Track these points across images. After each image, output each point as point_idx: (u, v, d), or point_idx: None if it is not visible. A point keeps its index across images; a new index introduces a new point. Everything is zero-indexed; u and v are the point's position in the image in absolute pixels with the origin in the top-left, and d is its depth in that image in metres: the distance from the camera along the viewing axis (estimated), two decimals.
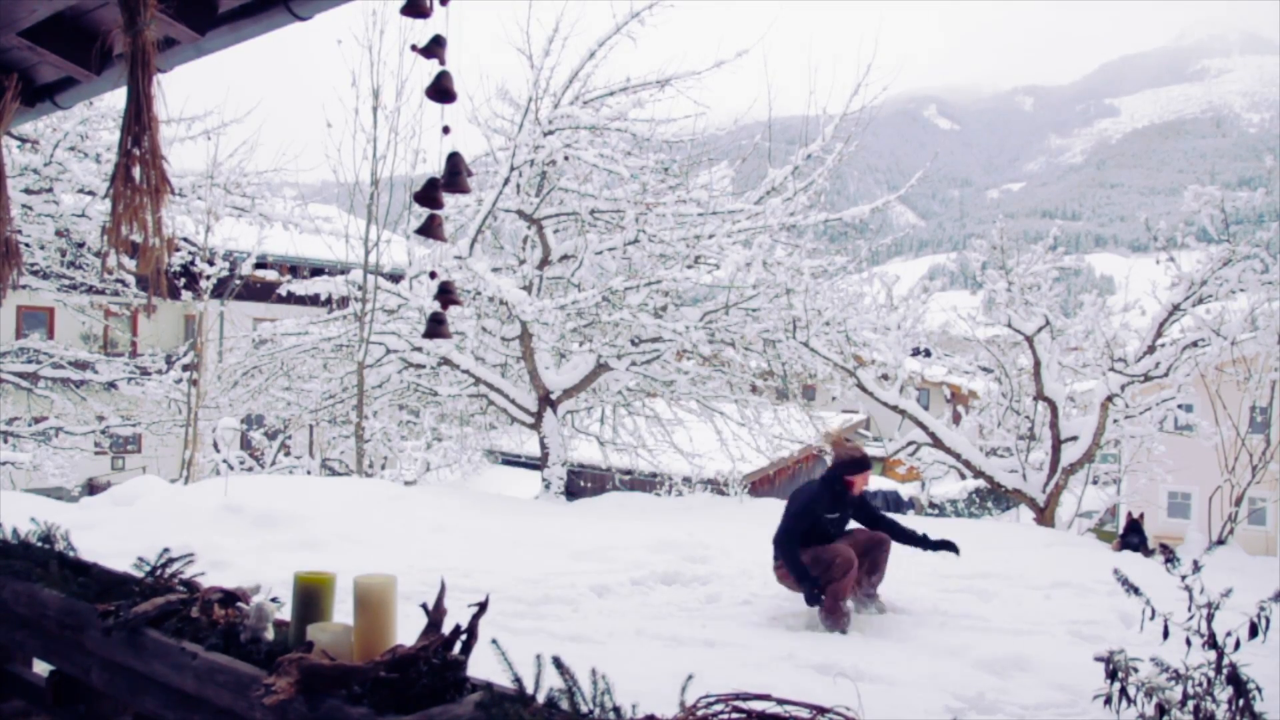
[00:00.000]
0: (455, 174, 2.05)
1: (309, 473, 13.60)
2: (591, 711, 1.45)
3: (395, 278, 12.84)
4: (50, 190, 11.45)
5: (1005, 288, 11.41)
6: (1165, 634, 2.41)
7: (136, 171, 2.25)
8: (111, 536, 5.76)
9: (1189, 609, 2.35)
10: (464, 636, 1.65)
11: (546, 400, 12.08)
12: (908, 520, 6.81)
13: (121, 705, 2.35)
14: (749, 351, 12.40)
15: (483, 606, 1.69)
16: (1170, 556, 2.58)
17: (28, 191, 11.26)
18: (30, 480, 13.31)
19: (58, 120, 10.91)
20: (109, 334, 17.27)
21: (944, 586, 5.97)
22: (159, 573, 2.37)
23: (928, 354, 13.62)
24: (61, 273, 12.69)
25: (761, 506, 11.27)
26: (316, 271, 15.51)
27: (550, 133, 11.12)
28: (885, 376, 11.87)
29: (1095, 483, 15.87)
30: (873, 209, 11.82)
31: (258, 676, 1.73)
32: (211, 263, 12.14)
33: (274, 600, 2.03)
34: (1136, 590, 2.44)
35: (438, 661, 1.61)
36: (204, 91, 10.99)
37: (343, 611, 1.81)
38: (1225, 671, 2.22)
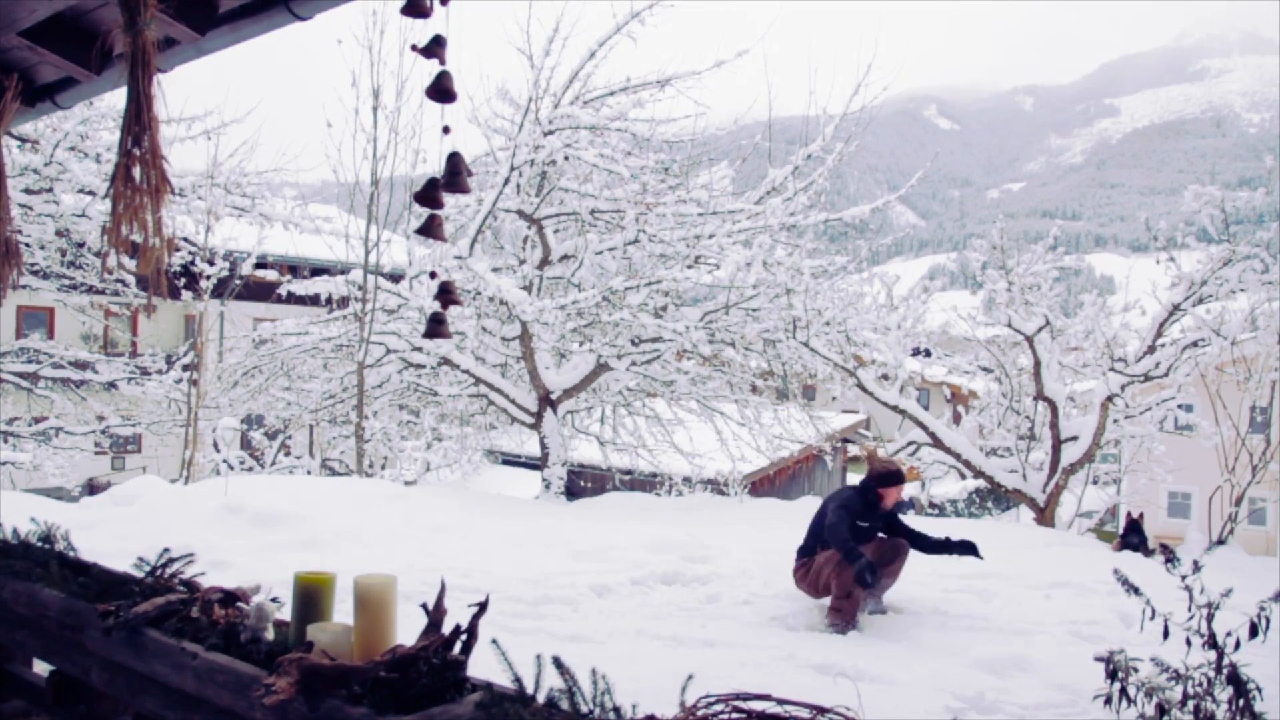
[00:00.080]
0: (455, 174, 2.05)
1: (309, 473, 13.60)
2: (591, 711, 1.45)
3: (395, 278, 12.85)
4: (50, 190, 11.45)
5: (1005, 288, 11.41)
6: (1165, 634, 2.41)
7: (136, 171, 2.25)
8: (111, 536, 5.76)
9: (1189, 609, 2.35)
10: (464, 636, 1.65)
11: (546, 400, 12.08)
12: (909, 520, 6.81)
13: (121, 705, 2.35)
14: (749, 351, 12.40)
15: (483, 606, 1.69)
16: (1170, 556, 2.58)
17: (28, 191, 11.27)
18: (30, 480, 13.31)
19: (58, 120, 10.91)
20: (109, 334, 17.27)
21: (944, 586, 5.97)
22: (159, 573, 2.37)
23: (928, 354, 13.63)
24: (61, 273, 12.69)
25: (761, 506, 11.28)
26: (316, 271, 15.51)
27: (550, 133, 11.12)
28: (885, 376, 11.87)
29: (1095, 483, 15.87)
30: (873, 209, 11.82)
31: (258, 676, 1.73)
32: (211, 263, 12.15)
33: (274, 600, 2.03)
34: (1136, 590, 2.44)
35: (438, 661, 1.61)
36: (204, 91, 11.00)
37: (343, 611, 1.81)
38: (1225, 671, 2.22)
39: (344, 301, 12.36)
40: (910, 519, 8.51)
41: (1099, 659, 2.38)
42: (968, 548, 5.41)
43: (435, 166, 2.06)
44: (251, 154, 13.05)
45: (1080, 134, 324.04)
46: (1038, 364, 11.23)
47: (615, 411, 14.26)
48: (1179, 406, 12.11)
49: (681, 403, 13.31)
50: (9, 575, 2.57)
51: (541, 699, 1.48)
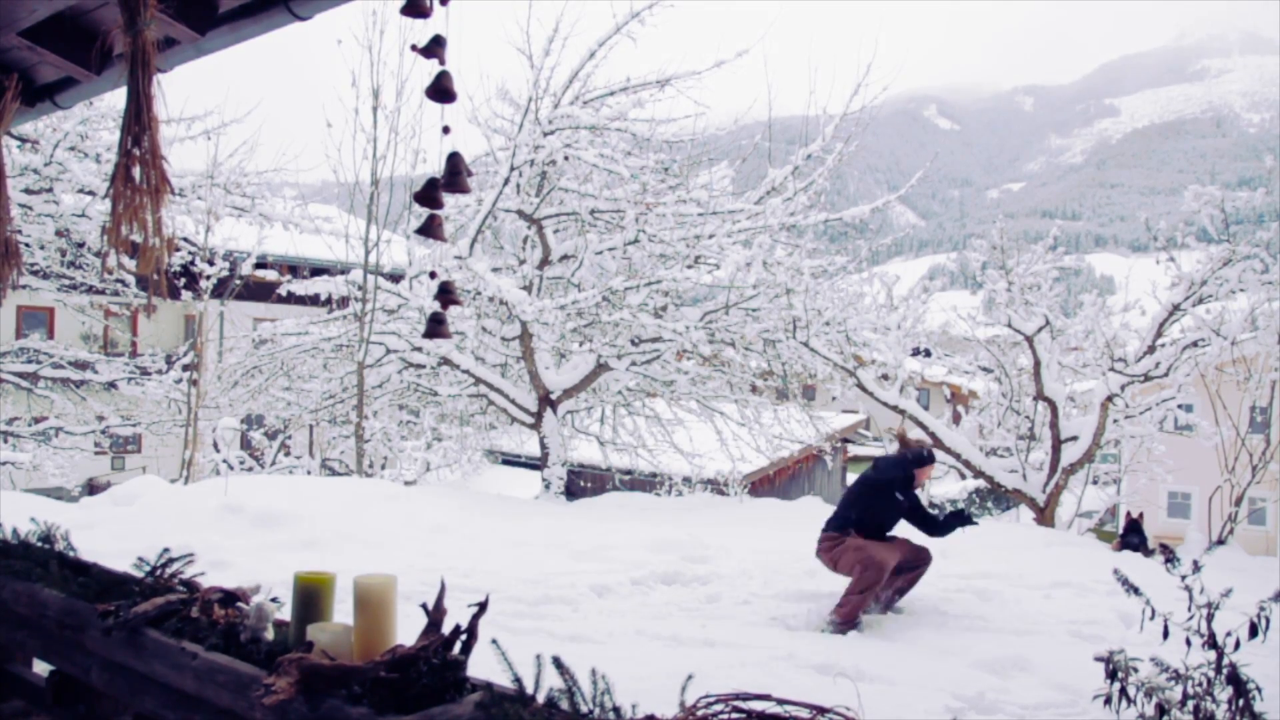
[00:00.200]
0: (455, 174, 2.05)
1: (309, 473, 13.60)
2: (591, 711, 1.45)
3: (395, 278, 12.84)
4: (50, 190, 11.45)
5: (1005, 288, 11.41)
6: (1165, 634, 2.41)
7: (136, 171, 2.25)
8: (111, 536, 5.77)
9: (1189, 609, 2.35)
10: (464, 636, 1.65)
11: (546, 400, 12.08)
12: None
13: (121, 705, 2.35)
14: (749, 351, 12.40)
15: (483, 606, 1.69)
16: (1170, 556, 2.58)
17: (28, 191, 11.26)
18: (30, 480, 13.31)
19: (58, 120, 10.91)
20: (109, 334, 17.27)
21: (944, 586, 5.97)
22: (159, 573, 2.37)
23: (928, 354, 13.63)
24: (61, 273, 12.69)
25: (761, 506, 11.28)
26: (316, 271, 15.51)
27: (550, 133, 11.12)
28: (885, 376, 11.87)
29: (1095, 483, 15.87)
30: (873, 209, 11.82)
31: (258, 676, 1.73)
32: (211, 263, 12.15)
33: (274, 600, 2.03)
34: (1136, 590, 2.44)
35: (438, 661, 1.61)
36: (204, 91, 11.00)
37: (343, 611, 1.81)
38: (1225, 671, 2.22)
39: (344, 301, 12.37)
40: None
41: (1099, 659, 2.38)
42: (962, 519, 5.55)
43: (435, 166, 2.06)
44: (251, 154, 13.07)
45: (1080, 134, 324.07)
46: (1038, 364, 11.23)
47: (615, 411, 14.26)
48: (1179, 406, 12.11)
49: (681, 403, 13.31)
50: (9, 575, 2.57)
51: (541, 699, 1.48)
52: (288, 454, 15.10)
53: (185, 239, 12.45)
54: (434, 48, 1.97)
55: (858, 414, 23.54)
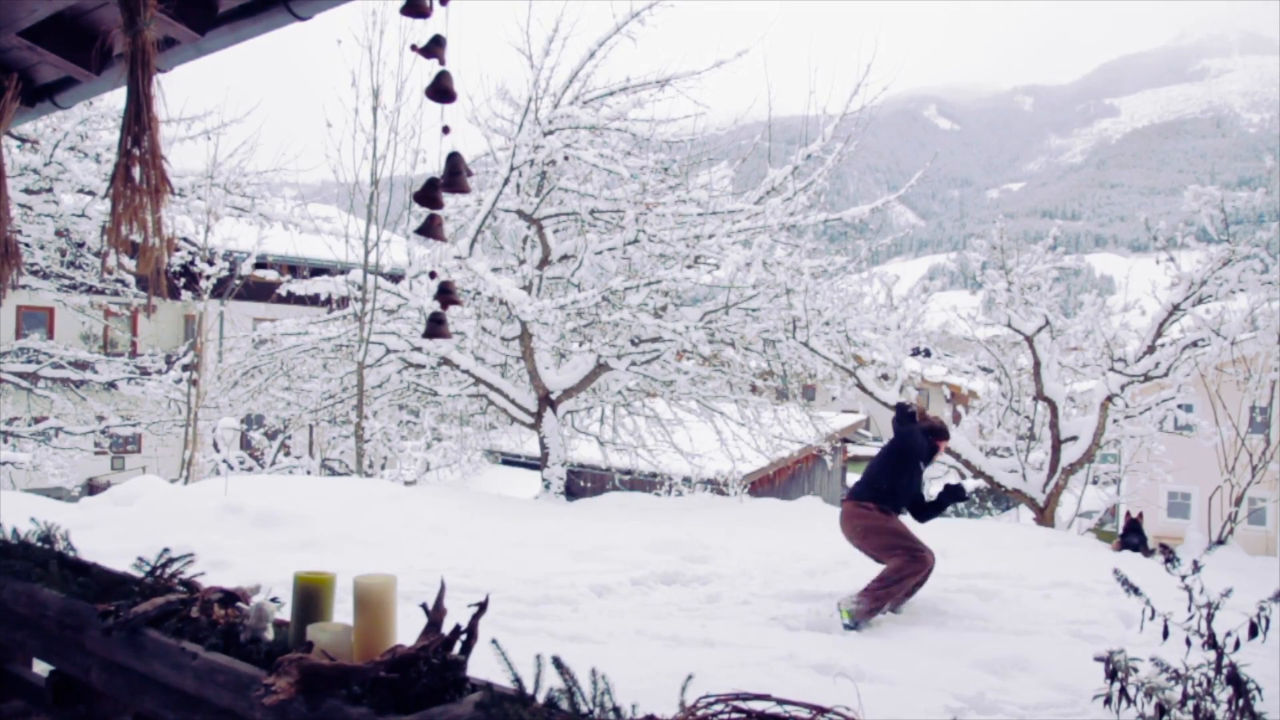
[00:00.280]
0: (455, 174, 2.05)
1: (309, 473, 13.60)
2: (591, 711, 1.45)
3: (395, 278, 12.84)
4: (50, 190, 11.45)
5: (1005, 288, 11.41)
6: (1165, 634, 2.41)
7: (136, 171, 2.25)
8: (111, 536, 5.77)
9: (1189, 609, 2.35)
10: (464, 636, 1.65)
11: (546, 400, 12.08)
12: (907, 517, 6.88)
13: (121, 705, 2.35)
14: (749, 351, 12.39)
15: (483, 606, 1.69)
16: (1170, 556, 2.58)
17: (28, 191, 11.26)
18: (30, 480, 13.31)
19: (58, 120, 10.91)
20: (109, 334, 17.27)
21: (944, 586, 5.96)
22: (159, 573, 2.36)
23: (928, 354, 13.62)
24: (61, 273, 12.69)
25: (761, 506, 11.28)
26: (316, 271, 15.51)
27: (550, 133, 11.12)
28: (885, 376, 11.86)
29: (1095, 483, 15.87)
30: (873, 209, 11.82)
31: (258, 676, 1.73)
32: (211, 263, 12.15)
33: (274, 600, 2.03)
34: (1136, 590, 2.44)
35: (438, 661, 1.61)
36: (204, 91, 11.00)
37: (343, 611, 1.81)
38: (1225, 671, 2.22)
39: (344, 301, 12.36)
40: (910, 517, 8.58)
41: (1099, 659, 2.38)
42: (957, 494, 5.65)
43: (435, 166, 2.06)
44: (251, 154, 13.09)
45: (1080, 134, 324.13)
46: (1037, 364, 11.23)
47: (615, 411, 14.26)
48: (1179, 406, 12.11)
49: (681, 403, 13.30)
50: (9, 575, 2.57)
51: (541, 699, 1.48)
52: (288, 454, 15.10)
53: (185, 239, 12.45)
54: (434, 48, 1.97)
55: (858, 414, 23.56)
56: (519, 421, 12.68)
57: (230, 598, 2.15)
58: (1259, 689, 2.23)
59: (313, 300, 12.81)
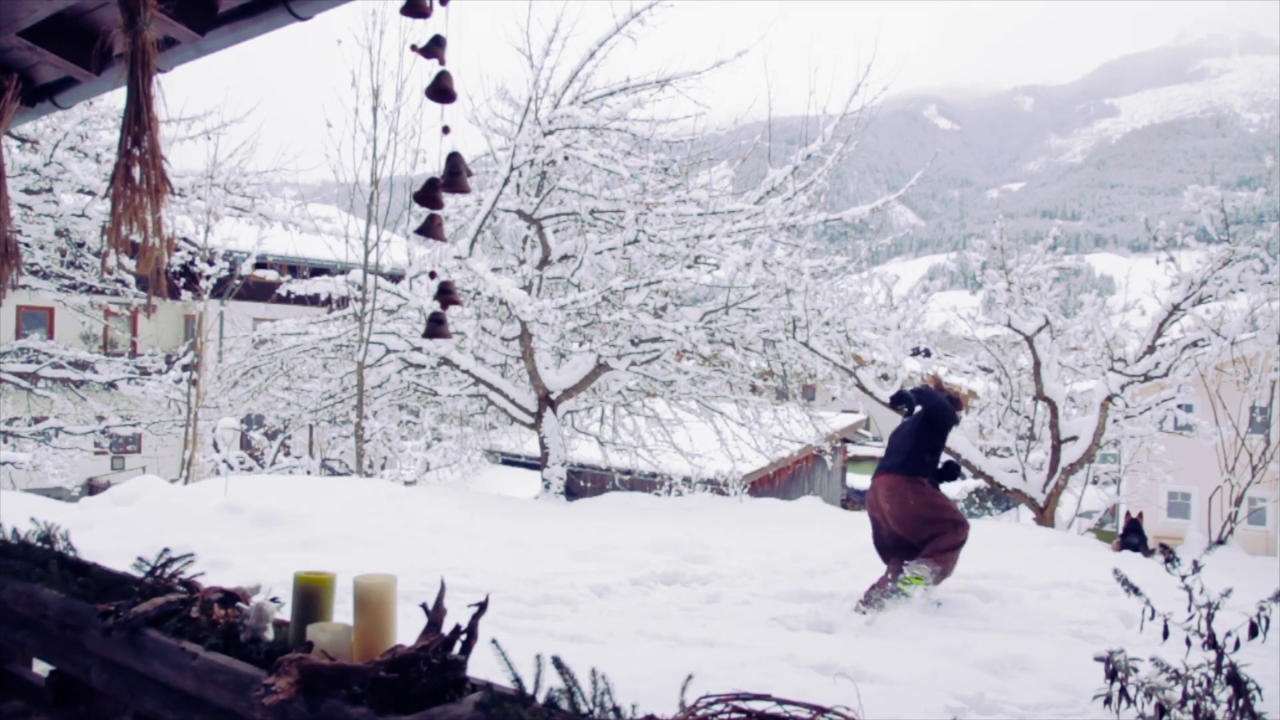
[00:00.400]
0: (455, 174, 2.05)
1: (309, 473, 13.60)
2: (591, 711, 1.45)
3: (395, 278, 12.84)
4: (50, 190, 11.45)
5: (1005, 288, 11.40)
6: (1165, 634, 2.41)
7: (136, 171, 2.25)
8: (111, 536, 5.77)
9: (1189, 609, 2.35)
10: (464, 636, 1.65)
11: (546, 400, 12.08)
12: None
13: (121, 705, 2.35)
14: (749, 351, 12.39)
15: (483, 606, 1.69)
16: (1170, 556, 2.58)
17: (28, 191, 11.26)
18: (30, 480, 13.31)
19: (58, 120, 10.91)
20: (109, 334, 17.27)
21: (944, 586, 5.96)
22: (159, 573, 2.36)
23: (927, 354, 13.63)
24: (61, 273, 12.69)
25: (761, 506, 11.28)
26: (316, 271, 15.51)
27: (550, 133, 11.12)
28: (885, 376, 11.86)
29: (1095, 483, 15.88)
30: (873, 209, 11.82)
31: (257, 676, 1.73)
32: (211, 263, 12.14)
33: (274, 600, 2.03)
34: (1136, 590, 2.43)
35: (438, 661, 1.61)
36: (204, 91, 11.00)
37: (343, 611, 1.81)
38: (1225, 671, 2.21)
39: (344, 301, 12.36)
40: None
41: (1099, 659, 2.38)
42: (952, 470, 5.79)
43: (435, 166, 2.06)
44: (251, 154, 13.09)
45: (1080, 134, 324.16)
46: (1037, 364, 11.23)
47: (615, 411, 14.26)
48: (1179, 406, 12.11)
49: (681, 403, 13.30)
50: (9, 575, 2.57)
51: (541, 699, 1.48)
52: (288, 454, 15.10)
53: (185, 239, 12.45)
54: (434, 48, 1.97)
55: (858, 414, 23.56)
56: (519, 421, 12.68)
57: (230, 598, 2.15)
58: (1259, 689, 2.23)
59: (313, 300, 12.81)
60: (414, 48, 1.98)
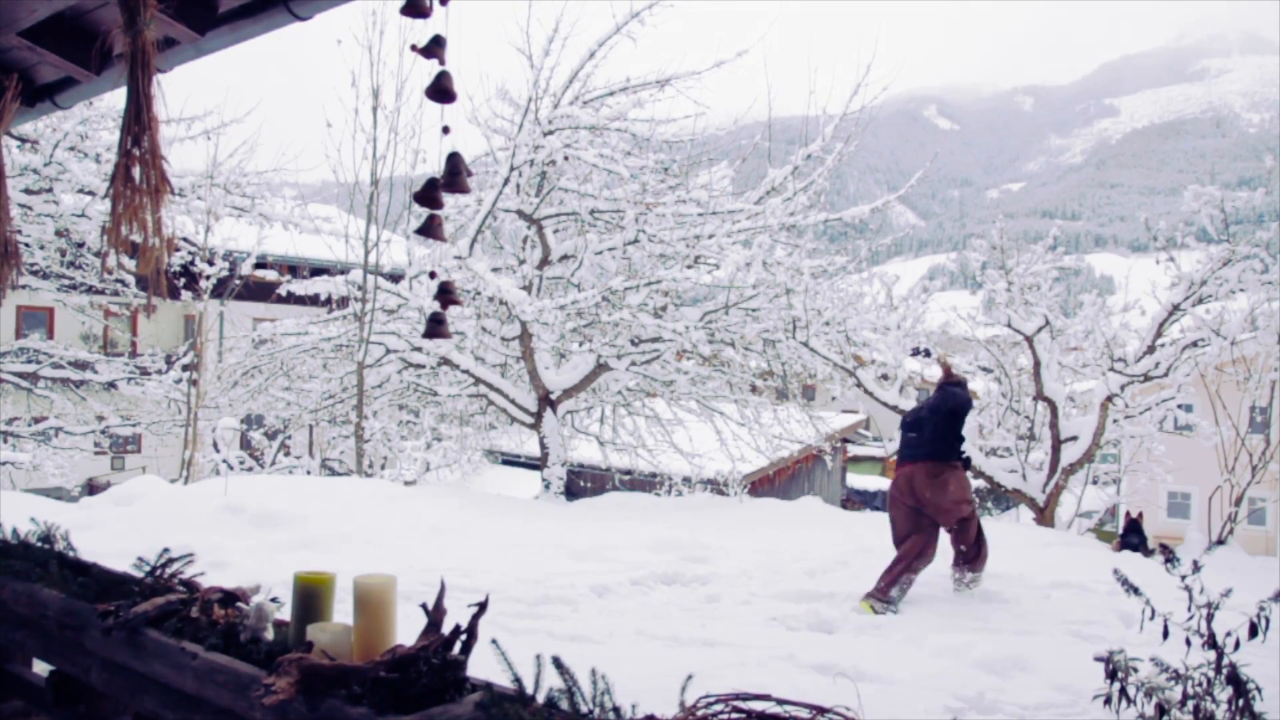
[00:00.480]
0: (455, 174, 2.05)
1: (309, 473, 13.60)
2: (591, 711, 1.45)
3: (395, 278, 12.84)
4: (50, 190, 11.45)
5: (1005, 288, 11.40)
6: (1165, 634, 2.41)
7: (136, 171, 2.25)
8: (111, 536, 5.77)
9: (1189, 609, 2.35)
10: (464, 636, 1.65)
11: (546, 400, 12.08)
12: None
13: (121, 705, 2.35)
14: (749, 351, 12.39)
15: (483, 606, 1.69)
16: (1170, 556, 2.58)
17: (28, 191, 11.26)
18: (30, 480, 13.31)
19: (58, 120, 10.91)
20: (109, 334, 17.27)
21: (944, 586, 5.97)
22: (159, 573, 2.36)
23: (927, 354, 13.62)
24: (61, 273, 12.69)
25: (761, 506, 11.27)
26: (316, 271, 15.51)
27: (550, 133, 11.12)
28: (885, 376, 11.87)
29: (1095, 483, 15.88)
30: (873, 209, 11.81)
31: (258, 676, 1.73)
32: (211, 263, 12.15)
33: (274, 600, 2.03)
34: (1136, 590, 2.44)
35: (437, 661, 1.61)
36: (204, 91, 11.00)
37: (343, 611, 1.81)
38: (1225, 671, 2.22)
39: (344, 301, 12.36)
40: None
41: (1099, 659, 2.38)
42: (967, 462, 5.99)
43: (435, 166, 2.06)
44: (251, 154, 13.07)
45: (1080, 134, 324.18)
46: (1037, 364, 11.23)
47: (615, 411, 14.26)
48: (1179, 406, 12.11)
49: (681, 403, 13.30)
50: (9, 575, 2.57)
51: (541, 699, 1.48)
52: (288, 454, 15.10)
53: (185, 239, 12.45)
54: (434, 48, 1.98)
55: (858, 414, 23.54)
56: (519, 421, 12.68)
57: (230, 598, 2.15)
58: (1259, 689, 2.23)
59: (313, 300, 12.81)
60: (414, 48, 1.98)
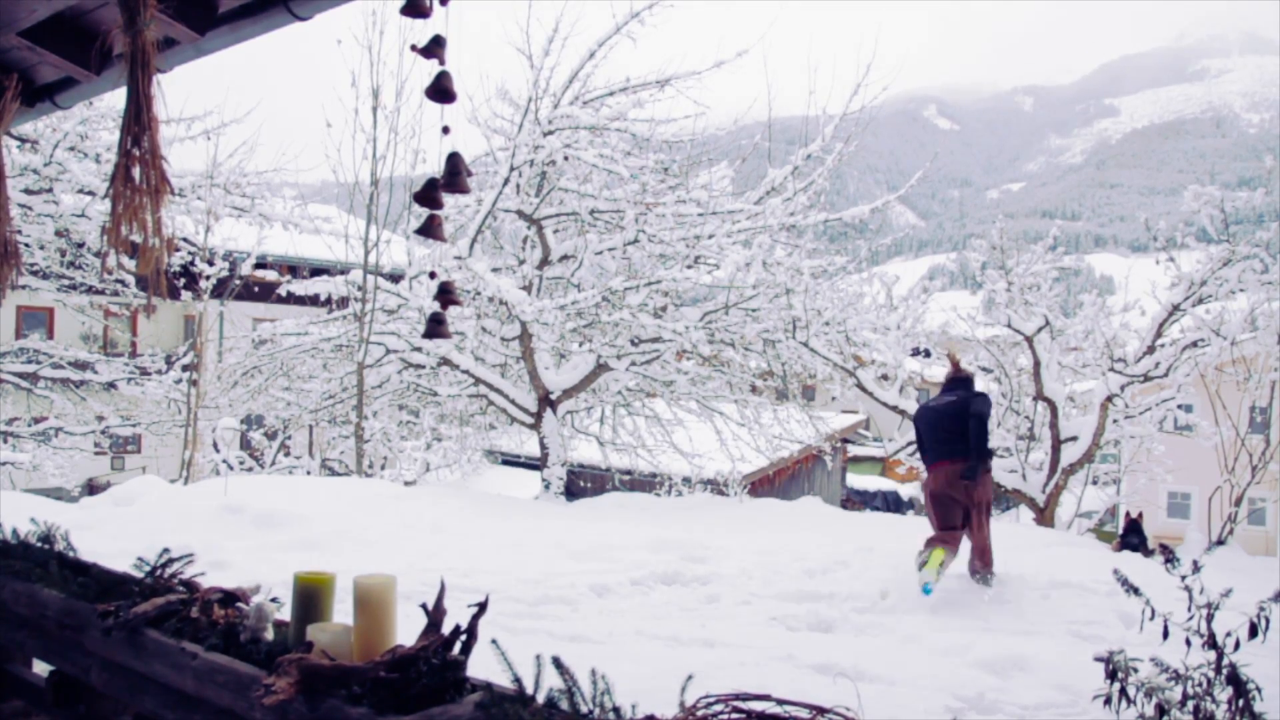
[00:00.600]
0: (455, 174, 2.05)
1: (309, 473, 13.61)
2: (591, 711, 1.45)
3: (395, 278, 12.84)
4: (50, 190, 11.45)
5: (1005, 288, 11.41)
6: (1165, 634, 2.41)
7: (136, 171, 2.25)
8: (111, 536, 5.77)
9: (1189, 609, 2.35)
10: (464, 636, 1.65)
11: (546, 400, 12.08)
12: (908, 518, 7.06)
13: (121, 705, 2.35)
14: (749, 351, 12.39)
15: (482, 607, 1.69)
16: (1170, 556, 2.58)
17: (28, 191, 11.26)
18: (30, 480, 13.31)
19: (58, 120, 10.91)
20: (109, 334, 17.27)
21: (944, 587, 5.96)
22: (159, 573, 2.36)
23: (927, 354, 13.63)
24: (61, 273, 12.69)
25: (761, 507, 11.27)
26: (316, 271, 15.52)
27: (550, 133, 11.12)
28: (885, 376, 11.87)
29: (1095, 483, 15.88)
30: (873, 209, 11.81)
31: (257, 676, 1.73)
32: (211, 263, 12.15)
33: (274, 600, 2.03)
34: (1136, 590, 2.43)
35: (437, 661, 1.61)
36: (204, 91, 11.00)
37: (343, 611, 1.81)
38: (1225, 671, 2.21)
39: (344, 301, 12.36)
40: (910, 517, 8.75)
41: (1099, 659, 2.37)
42: (971, 470, 6.05)
43: (435, 166, 2.06)
44: (251, 154, 13.07)
45: (1080, 134, 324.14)
46: (1037, 364, 11.23)
47: (615, 411, 14.26)
48: (1179, 406, 12.11)
49: (681, 403, 13.30)
50: (9, 575, 2.57)
51: (541, 699, 1.48)
52: (288, 454, 15.10)
53: (185, 239, 12.46)
54: (434, 48, 1.98)
55: (858, 414, 23.56)
56: (519, 422, 12.68)
57: (230, 598, 2.15)
58: (1259, 689, 2.23)
59: (313, 300, 12.81)
60: (414, 48, 1.98)
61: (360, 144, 13.25)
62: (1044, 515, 11.36)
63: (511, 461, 19.50)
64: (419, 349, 11.81)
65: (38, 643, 2.49)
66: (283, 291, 12.41)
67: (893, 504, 25.78)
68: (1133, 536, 11.61)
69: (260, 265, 15.47)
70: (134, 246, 2.32)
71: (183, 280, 12.05)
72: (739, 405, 13.20)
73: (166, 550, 2.45)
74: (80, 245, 12.34)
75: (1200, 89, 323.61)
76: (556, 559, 6.59)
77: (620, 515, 9.48)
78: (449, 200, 9.88)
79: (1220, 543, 11.02)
